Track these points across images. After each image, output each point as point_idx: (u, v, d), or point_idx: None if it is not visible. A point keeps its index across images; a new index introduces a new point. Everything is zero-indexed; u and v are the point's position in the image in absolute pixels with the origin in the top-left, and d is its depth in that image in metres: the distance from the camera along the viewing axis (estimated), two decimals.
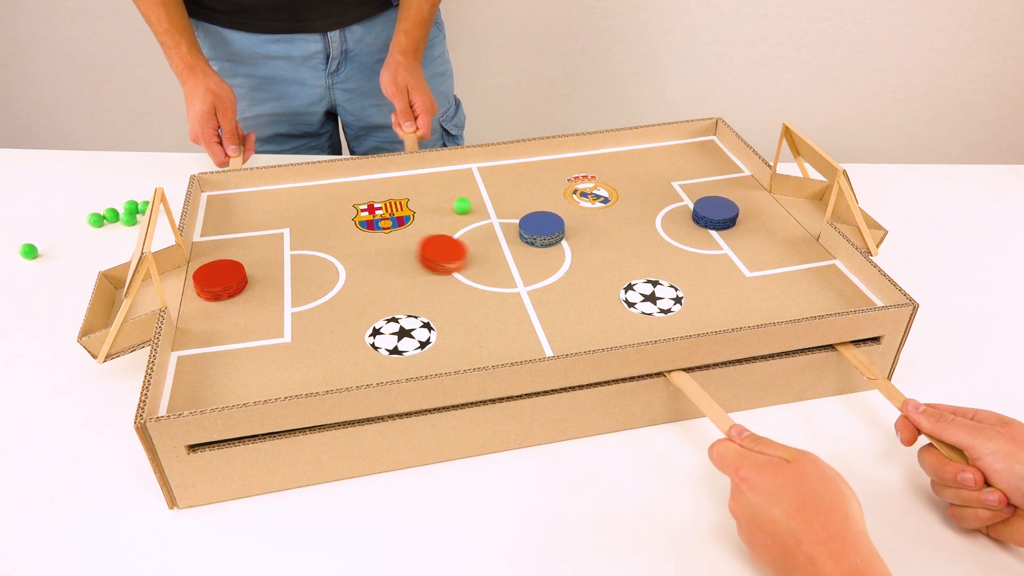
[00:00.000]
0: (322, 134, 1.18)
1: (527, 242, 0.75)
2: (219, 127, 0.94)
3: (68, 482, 0.59)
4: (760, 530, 0.47)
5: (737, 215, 0.77)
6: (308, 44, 1.05)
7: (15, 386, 0.67)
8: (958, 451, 0.53)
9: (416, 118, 0.98)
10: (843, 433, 0.63)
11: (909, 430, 0.55)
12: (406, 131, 0.97)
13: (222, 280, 0.68)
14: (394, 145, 1.19)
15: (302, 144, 1.16)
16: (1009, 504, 0.50)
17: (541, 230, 0.74)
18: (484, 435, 0.60)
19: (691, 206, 0.81)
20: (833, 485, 0.47)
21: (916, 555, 0.53)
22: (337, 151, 1.26)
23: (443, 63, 1.19)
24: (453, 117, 1.21)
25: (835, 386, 0.66)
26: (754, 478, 0.48)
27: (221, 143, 0.94)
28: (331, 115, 1.17)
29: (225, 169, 0.84)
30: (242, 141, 0.96)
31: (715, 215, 0.76)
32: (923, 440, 0.56)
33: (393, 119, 0.99)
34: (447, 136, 1.21)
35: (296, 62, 1.06)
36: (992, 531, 0.53)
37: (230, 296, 0.68)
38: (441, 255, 0.71)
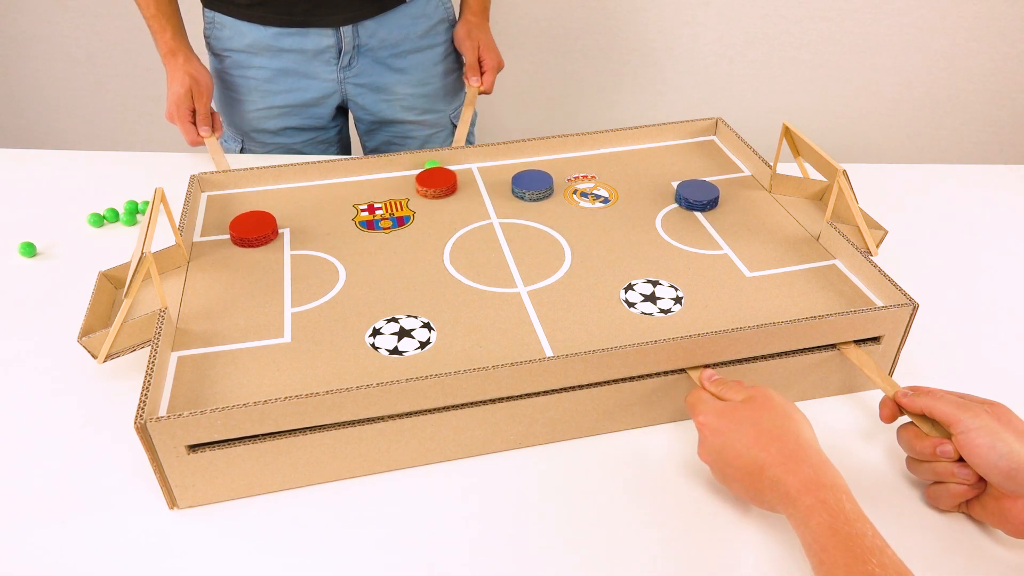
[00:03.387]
0: (332, 128, 1.19)
1: (518, 196, 0.82)
2: (194, 109, 1.01)
3: (68, 482, 0.59)
4: (729, 466, 0.53)
5: (717, 197, 0.80)
6: (321, 38, 1.06)
7: (15, 386, 0.67)
8: (939, 429, 0.55)
9: (483, 73, 1.09)
10: (846, 432, 0.63)
11: (890, 407, 0.58)
12: (471, 84, 1.09)
13: (255, 230, 0.75)
14: (404, 140, 1.20)
15: (312, 138, 1.17)
16: (980, 481, 0.53)
17: (531, 186, 0.82)
18: (484, 435, 0.60)
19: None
20: (783, 412, 0.53)
21: (926, 547, 0.53)
22: (346, 145, 1.27)
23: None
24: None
25: (837, 386, 0.66)
26: (713, 423, 0.54)
27: (195, 124, 1.01)
28: (342, 109, 1.18)
29: (225, 169, 0.84)
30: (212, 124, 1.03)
31: (697, 197, 0.80)
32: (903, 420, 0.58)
33: (464, 72, 1.11)
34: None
35: (308, 56, 1.08)
36: (970, 510, 0.55)
37: (259, 245, 0.75)
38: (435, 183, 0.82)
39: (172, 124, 1.01)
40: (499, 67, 1.11)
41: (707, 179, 0.85)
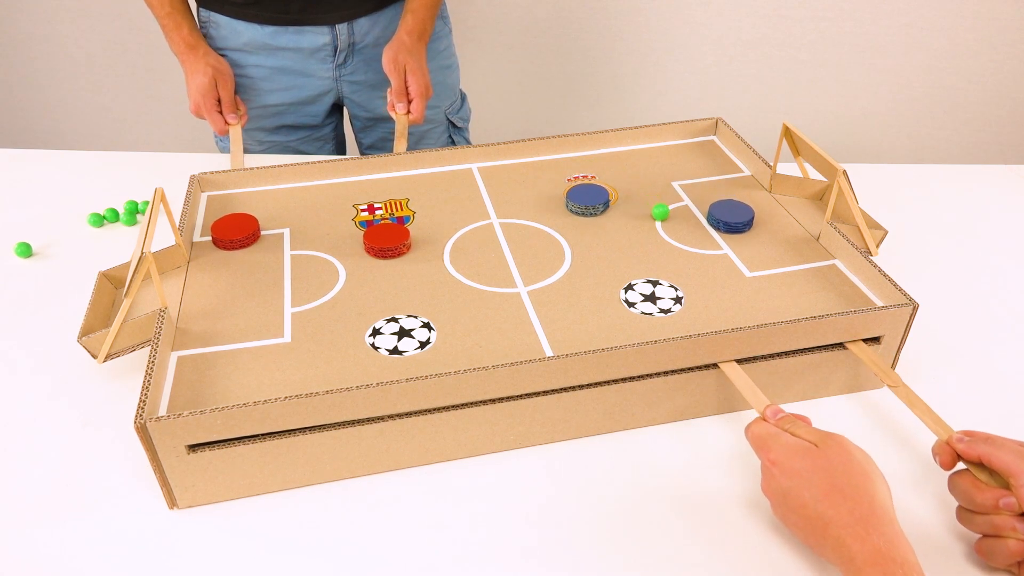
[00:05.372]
0: (327, 125, 1.20)
1: (573, 212, 0.80)
2: (219, 99, 1.01)
3: (68, 482, 0.59)
4: (792, 512, 0.49)
5: (753, 218, 0.76)
6: (317, 36, 1.07)
7: (15, 386, 0.67)
8: (997, 478, 0.51)
9: (410, 101, 1.01)
10: (848, 433, 0.63)
11: (949, 454, 0.53)
12: (398, 112, 1.00)
13: (237, 231, 0.74)
14: None
15: (307, 135, 1.18)
16: None
17: (586, 200, 0.80)
18: (484, 435, 0.60)
19: (692, 207, 0.81)
20: (860, 468, 0.48)
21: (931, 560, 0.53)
22: (341, 142, 1.27)
23: (449, 56, 1.20)
24: (459, 110, 1.23)
25: (838, 386, 0.66)
26: (785, 462, 0.50)
27: (221, 113, 1.01)
28: (337, 107, 1.19)
29: (225, 169, 0.84)
30: (237, 111, 1.03)
31: (730, 219, 0.76)
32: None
33: (388, 98, 1.02)
34: (453, 128, 1.23)
35: (304, 54, 1.08)
36: (1022, 571, 0.50)
37: (241, 247, 0.74)
38: (386, 241, 0.73)
39: (199, 119, 1.02)
40: (426, 95, 1.02)
41: (708, 179, 0.85)
